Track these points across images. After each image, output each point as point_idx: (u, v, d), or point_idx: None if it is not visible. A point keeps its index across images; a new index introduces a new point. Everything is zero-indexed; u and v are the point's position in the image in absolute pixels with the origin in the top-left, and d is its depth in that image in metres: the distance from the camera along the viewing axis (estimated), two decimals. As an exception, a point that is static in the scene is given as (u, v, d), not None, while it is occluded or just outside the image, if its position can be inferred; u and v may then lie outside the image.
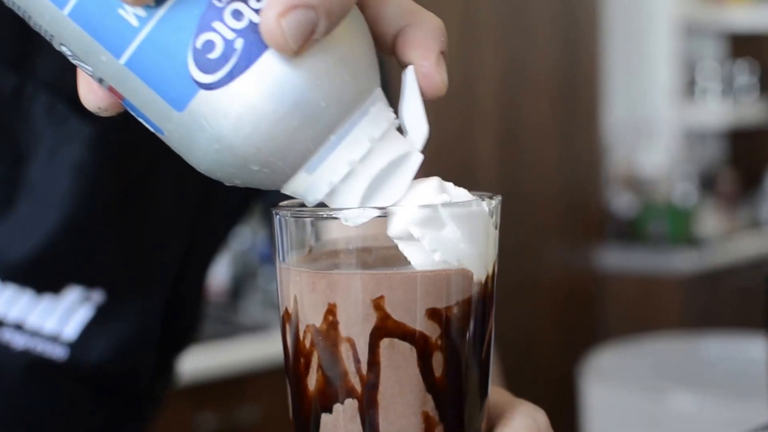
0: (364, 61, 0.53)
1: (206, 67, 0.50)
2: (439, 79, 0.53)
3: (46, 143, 0.91)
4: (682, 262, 3.79)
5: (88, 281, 0.96)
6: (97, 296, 0.97)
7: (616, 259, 3.94)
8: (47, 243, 0.92)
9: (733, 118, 4.40)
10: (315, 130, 0.51)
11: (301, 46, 0.48)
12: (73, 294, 0.96)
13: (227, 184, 0.54)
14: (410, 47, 0.53)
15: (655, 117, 4.15)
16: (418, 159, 0.54)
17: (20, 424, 0.99)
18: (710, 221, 4.06)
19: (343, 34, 0.51)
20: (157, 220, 0.99)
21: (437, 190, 0.55)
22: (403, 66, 0.54)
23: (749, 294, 3.85)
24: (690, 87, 4.39)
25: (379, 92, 0.54)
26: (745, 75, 4.54)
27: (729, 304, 3.87)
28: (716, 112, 4.36)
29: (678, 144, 4.22)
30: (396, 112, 0.55)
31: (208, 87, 0.50)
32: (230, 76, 0.50)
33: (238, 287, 2.85)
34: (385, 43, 0.54)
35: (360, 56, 0.52)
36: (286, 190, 0.54)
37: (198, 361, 2.30)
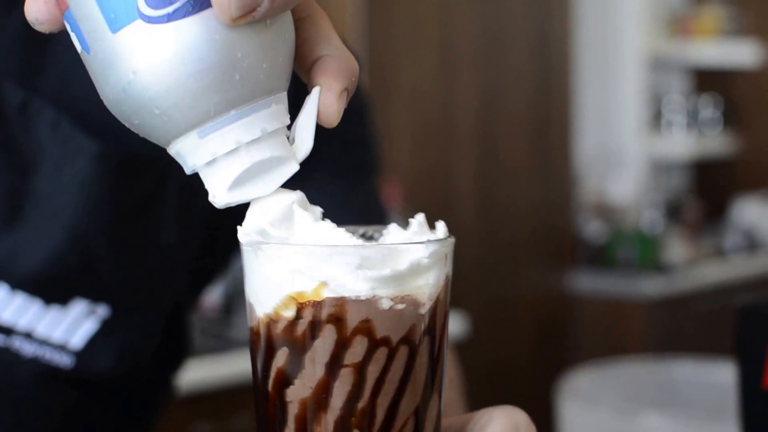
0: (282, 61, 0.55)
1: (152, 0, 0.52)
2: (335, 110, 0.56)
3: (51, 157, 0.91)
4: (649, 287, 3.84)
5: (93, 296, 0.96)
6: (102, 311, 0.96)
7: (586, 283, 3.97)
8: (53, 256, 0.92)
9: (697, 150, 4.44)
10: (220, 98, 0.53)
11: (239, 16, 0.51)
12: (78, 307, 0.95)
13: (123, 123, 0.55)
14: (322, 74, 0.56)
15: (623, 148, 4.19)
16: (293, 168, 0.57)
17: (29, 430, 0.99)
18: (676, 249, 4.09)
19: (276, 31, 0.54)
20: (163, 244, 0.99)
21: (299, 202, 0.57)
22: (311, 88, 0.57)
23: (712, 319, 3.90)
24: (657, 120, 4.42)
25: (284, 96, 0.56)
26: (709, 109, 4.58)
27: (693, 328, 3.91)
28: (682, 144, 4.39)
29: (645, 174, 4.25)
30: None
31: (147, 19, 0.52)
32: (168, 17, 0.52)
33: (230, 303, 2.87)
34: (303, 63, 0.57)
35: (281, 56, 0.55)
36: (173, 148, 0.56)
37: (193, 374, 2.34)
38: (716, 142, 4.59)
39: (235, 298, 2.88)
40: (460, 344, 2.82)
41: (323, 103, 0.56)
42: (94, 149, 0.90)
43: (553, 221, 3.98)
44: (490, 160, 3.74)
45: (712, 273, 4.08)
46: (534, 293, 3.91)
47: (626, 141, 4.20)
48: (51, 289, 0.94)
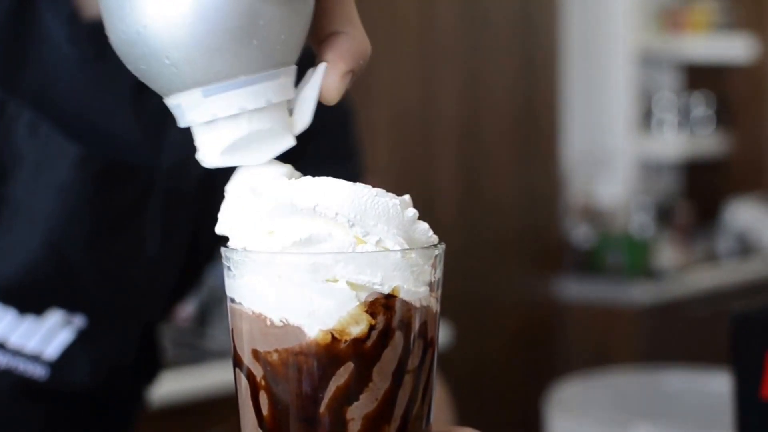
0: (298, 35, 0.58)
1: None
2: (335, 90, 0.59)
3: (29, 162, 0.91)
4: (639, 293, 3.85)
5: (70, 306, 0.97)
6: (79, 321, 0.98)
7: (574, 289, 3.98)
8: (29, 264, 0.93)
9: (689, 150, 4.45)
10: (234, 60, 0.55)
11: None
12: (54, 317, 0.97)
13: (127, 66, 0.57)
14: (332, 51, 0.59)
15: (611, 148, 4.19)
16: (289, 142, 0.59)
17: None
18: (667, 253, 4.10)
19: (300, 5, 0.57)
20: (145, 256, 1.00)
21: (287, 175, 0.59)
22: (318, 62, 0.59)
23: (704, 326, 3.91)
24: (646, 118, 4.43)
25: (293, 69, 0.59)
26: (701, 107, 4.59)
27: (684, 335, 3.92)
28: (673, 143, 4.40)
29: (635, 175, 4.26)
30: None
31: None
32: None
33: (205, 314, 2.89)
34: (318, 35, 0.60)
35: (299, 30, 0.58)
36: (173, 99, 0.57)
37: (167, 386, 2.30)
38: (709, 142, 4.60)
39: (210, 308, 2.90)
40: (440, 352, 2.80)
41: (327, 81, 0.58)
42: (75, 154, 0.91)
43: (539, 225, 3.99)
44: (473, 160, 3.75)
45: (705, 279, 4.10)
46: (519, 299, 3.91)
47: (615, 140, 4.20)
48: (26, 298, 0.95)
